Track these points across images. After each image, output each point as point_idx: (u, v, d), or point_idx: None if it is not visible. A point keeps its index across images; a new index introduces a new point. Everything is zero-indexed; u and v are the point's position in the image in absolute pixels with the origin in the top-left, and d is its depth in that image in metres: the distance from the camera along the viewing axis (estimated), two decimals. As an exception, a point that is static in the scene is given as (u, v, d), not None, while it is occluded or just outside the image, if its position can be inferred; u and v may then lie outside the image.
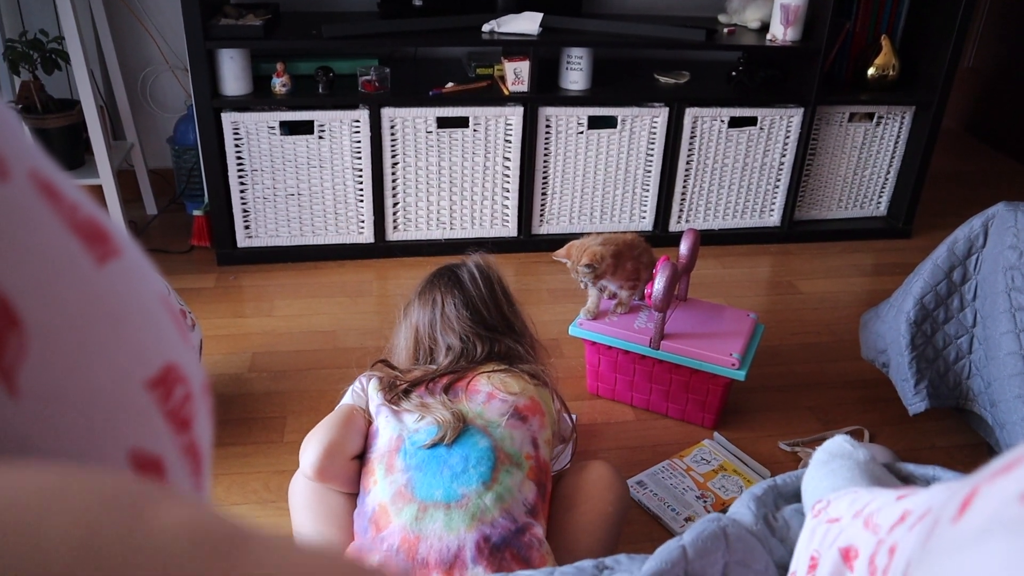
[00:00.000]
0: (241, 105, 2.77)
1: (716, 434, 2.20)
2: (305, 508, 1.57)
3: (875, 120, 3.29)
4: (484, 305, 1.72)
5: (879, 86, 3.28)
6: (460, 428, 1.51)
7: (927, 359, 2.09)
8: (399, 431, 1.53)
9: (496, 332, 1.70)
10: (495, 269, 1.79)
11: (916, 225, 3.47)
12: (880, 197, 3.42)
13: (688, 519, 1.93)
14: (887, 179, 3.39)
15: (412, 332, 1.74)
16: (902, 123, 3.30)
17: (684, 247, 2.25)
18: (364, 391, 1.66)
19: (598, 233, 2.21)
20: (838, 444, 1.42)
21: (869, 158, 3.33)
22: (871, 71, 3.26)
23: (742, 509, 1.35)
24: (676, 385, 2.18)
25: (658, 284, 2.00)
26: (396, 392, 1.60)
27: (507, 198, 3.00)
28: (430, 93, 2.87)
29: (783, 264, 3.16)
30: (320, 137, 2.80)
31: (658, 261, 2.08)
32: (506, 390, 1.58)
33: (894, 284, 2.89)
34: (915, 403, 2.10)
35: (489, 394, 1.57)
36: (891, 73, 3.25)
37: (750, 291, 2.94)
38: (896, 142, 3.32)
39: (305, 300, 2.76)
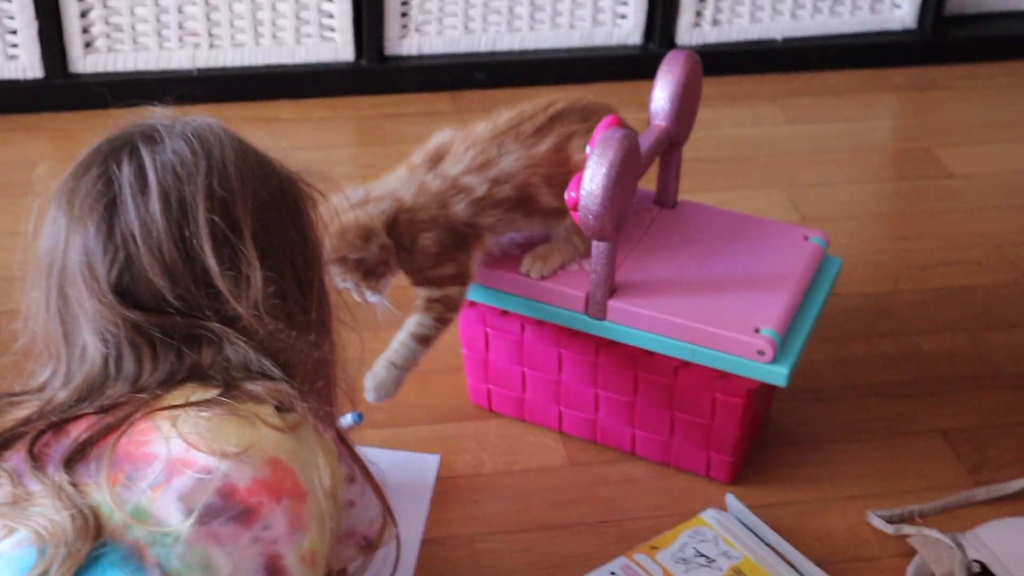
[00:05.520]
0: None
1: (730, 497, 1.69)
2: None
3: None
4: (174, 239, 1.04)
5: None
6: (86, 551, 0.94)
7: None
8: None
9: (207, 300, 1.06)
10: (227, 140, 1.07)
11: None
12: None
13: None
14: None
15: (41, 284, 1.09)
16: None
17: (664, 91, 1.74)
18: None
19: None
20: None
21: None
22: None
23: None
24: (648, 394, 1.71)
25: (593, 175, 1.51)
26: None
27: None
28: None
29: (921, 109, 2.58)
30: None
31: (598, 124, 1.58)
32: (208, 448, 1.02)
33: None
34: None
35: (172, 461, 1.03)
36: None
37: (836, 172, 2.36)
38: None
39: None
